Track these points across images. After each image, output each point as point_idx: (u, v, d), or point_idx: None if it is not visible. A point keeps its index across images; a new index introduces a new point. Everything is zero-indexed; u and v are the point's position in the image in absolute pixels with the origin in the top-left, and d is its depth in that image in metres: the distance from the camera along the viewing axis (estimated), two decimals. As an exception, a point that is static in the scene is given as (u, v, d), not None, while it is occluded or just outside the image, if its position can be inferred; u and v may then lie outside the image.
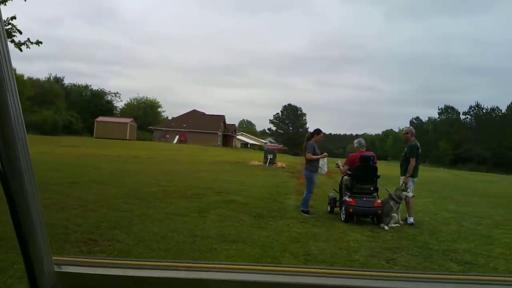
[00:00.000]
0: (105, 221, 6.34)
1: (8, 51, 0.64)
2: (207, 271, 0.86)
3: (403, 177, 8.27)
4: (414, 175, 8.29)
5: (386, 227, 7.59)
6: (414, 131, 8.67)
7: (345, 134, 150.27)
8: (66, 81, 73.48)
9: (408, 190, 8.09)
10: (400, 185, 8.17)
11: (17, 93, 0.68)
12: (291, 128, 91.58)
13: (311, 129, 9.18)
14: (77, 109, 61.67)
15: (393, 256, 5.74)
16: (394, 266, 5.31)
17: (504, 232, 7.90)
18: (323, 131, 9.20)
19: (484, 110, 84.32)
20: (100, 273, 0.83)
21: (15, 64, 47.11)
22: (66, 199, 7.97)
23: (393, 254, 5.87)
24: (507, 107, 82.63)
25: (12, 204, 0.70)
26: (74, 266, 0.82)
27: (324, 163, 8.79)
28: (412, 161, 8.18)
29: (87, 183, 10.38)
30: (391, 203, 7.89)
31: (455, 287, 0.88)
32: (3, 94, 0.63)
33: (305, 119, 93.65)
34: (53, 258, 0.78)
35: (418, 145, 8.40)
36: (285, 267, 0.91)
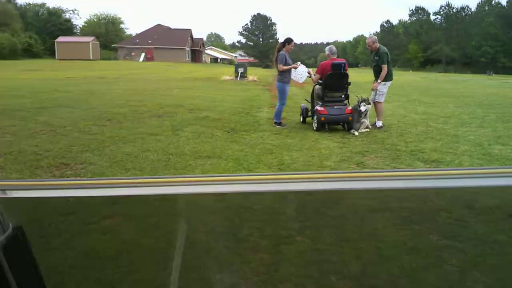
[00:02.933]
0: (76, 145, 6.25)
1: None
2: (176, 185, 0.83)
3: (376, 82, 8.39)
4: (388, 79, 8.40)
5: (356, 133, 7.80)
6: (376, 38, 8.69)
7: (316, 42, 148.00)
8: (19, 1, 67.93)
9: (379, 97, 8.29)
10: (371, 96, 8.30)
11: None
12: (261, 39, 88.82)
13: (281, 40, 8.90)
14: (35, 30, 57.73)
15: (363, 160, 5.96)
16: (363, 169, 5.55)
17: (470, 130, 8.26)
18: (294, 40, 8.94)
19: (454, 10, 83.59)
20: (49, 195, 0.79)
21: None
22: (34, 125, 7.75)
23: (363, 157, 6.09)
24: (477, 5, 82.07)
25: None
26: (20, 190, 0.77)
27: (304, 71, 8.62)
28: (384, 68, 8.27)
29: (54, 107, 10.05)
30: (362, 108, 8.02)
31: (421, 183, 0.89)
32: None
33: (276, 29, 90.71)
34: None
35: (386, 50, 8.44)
36: (257, 175, 0.90)
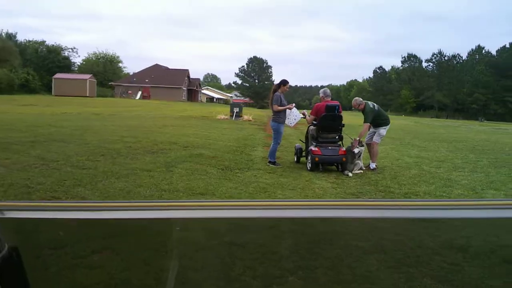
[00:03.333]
0: (68, 179, 6.18)
1: None
2: (165, 209, 0.83)
3: (373, 128, 8.63)
4: (386, 123, 8.61)
5: (350, 174, 7.81)
6: (361, 98, 8.98)
7: (311, 85, 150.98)
8: (20, 38, 69.31)
9: (376, 138, 8.49)
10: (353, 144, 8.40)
11: None
12: (257, 81, 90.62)
13: (277, 82, 9.10)
14: (33, 66, 58.64)
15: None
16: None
17: (463, 174, 8.31)
18: (289, 82, 9.13)
19: (445, 57, 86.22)
20: (46, 217, 0.79)
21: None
22: (27, 158, 7.69)
23: (357, 198, 6.07)
24: (468, 53, 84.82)
25: None
26: (19, 211, 0.77)
27: (296, 115, 8.77)
28: (366, 126, 8.55)
29: (48, 141, 10.01)
30: (355, 150, 8.10)
31: (417, 213, 0.89)
32: None
33: (271, 72, 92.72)
34: None
35: (372, 106, 8.68)
36: (247, 201, 0.89)
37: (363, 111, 8.67)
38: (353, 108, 9.34)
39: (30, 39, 70.03)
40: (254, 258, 1.06)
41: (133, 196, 5.50)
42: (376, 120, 8.59)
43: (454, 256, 1.07)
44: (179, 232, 0.96)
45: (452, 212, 0.91)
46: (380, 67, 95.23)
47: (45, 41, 69.30)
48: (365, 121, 8.56)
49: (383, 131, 8.65)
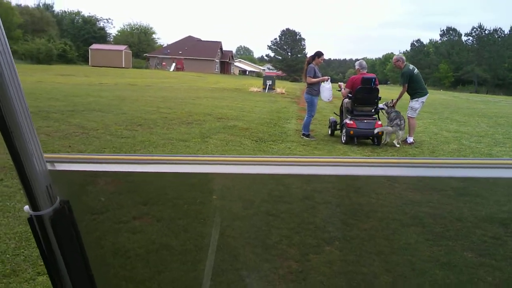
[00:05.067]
0: (107, 147, 6.39)
1: None
2: (201, 164, 0.84)
3: (411, 100, 8.42)
4: (421, 94, 8.37)
5: (397, 145, 7.95)
6: (403, 58, 8.81)
7: (345, 59, 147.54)
8: (56, 8, 70.65)
9: (411, 112, 8.29)
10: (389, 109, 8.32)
11: None
12: (289, 54, 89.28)
13: (310, 54, 8.94)
14: (70, 36, 59.87)
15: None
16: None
17: (504, 149, 8.02)
18: (324, 54, 8.95)
19: (486, 32, 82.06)
20: (96, 169, 0.81)
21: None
22: (67, 127, 7.96)
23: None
24: (510, 27, 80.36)
25: None
26: (68, 163, 0.78)
27: (329, 86, 8.65)
28: (404, 87, 8.36)
29: (87, 111, 10.32)
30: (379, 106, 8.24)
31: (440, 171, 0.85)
32: None
33: (304, 44, 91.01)
34: (45, 156, 0.73)
35: (411, 68, 8.47)
36: (285, 158, 0.88)
37: (402, 71, 8.48)
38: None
39: (66, 10, 71.30)
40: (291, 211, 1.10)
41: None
42: (413, 86, 8.33)
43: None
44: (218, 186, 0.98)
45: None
46: (418, 40, 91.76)
47: (81, 12, 70.49)
48: (403, 82, 8.40)
49: (415, 103, 8.36)
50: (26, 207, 0.73)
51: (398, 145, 7.88)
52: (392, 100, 8.36)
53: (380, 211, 1.11)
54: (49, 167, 0.74)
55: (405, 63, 8.58)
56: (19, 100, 0.65)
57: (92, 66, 48.50)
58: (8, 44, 0.62)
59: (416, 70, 8.46)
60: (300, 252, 1.09)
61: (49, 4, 70.13)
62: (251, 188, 1.02)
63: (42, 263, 2.77)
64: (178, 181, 0.91)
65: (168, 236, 1.05)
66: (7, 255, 2.88)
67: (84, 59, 55.15)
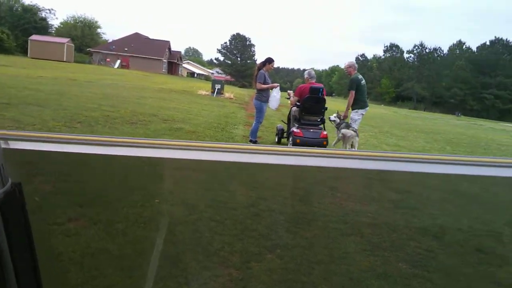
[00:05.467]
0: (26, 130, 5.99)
1: None
2: (143, 147, 0.81)
3: (353, 111, 8.53)
4: (361, 106, 8.46)
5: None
6: (356, 65, 8.83)
7: (293, 68, 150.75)
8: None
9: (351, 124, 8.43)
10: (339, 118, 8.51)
11: None
12: (239, 59, 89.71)
13: (259, 61, 9.00)
14: (7, 25, 56.08)
15: (335, 184, 5.97)
16: (336, 194, 5.55)
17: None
18: (274, 61, 9.03)
19: (427, 50, 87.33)
20: (53, 149, 0.75)
21: None
22: (1, 120, 7.39)
23: (335, 181, 6.10)
24: (449, 47, 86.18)
25: None
26: (23, 142, 0.73)
27: (278, 98, 8.69)
28: (351, 94, 8.35)
29: (23, 104, 9.64)
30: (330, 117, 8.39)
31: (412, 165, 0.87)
32: None
33: (254, 51, 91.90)
34: None
35: (360, 77, 8.51)
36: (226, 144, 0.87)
37: (351, 78, 8.51)
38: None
39: (5, -4, 66.77)
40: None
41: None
42: (356, 97, 8.34)
43: None
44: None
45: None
46: (363, 55, 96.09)
47: (21, -1, 66.37)
48: (349, 89, 8.40)
49: (355, 114, 8.40)
50: None
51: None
52: (339, 111, 8.54)
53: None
54: (2, 145, 0.69)
55: (356, 71, 8.67)
56: None
57: (31, 58, 45.74)
58: None
59: (363, 81, 8.55)
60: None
61: (-15, -12, 65.32)
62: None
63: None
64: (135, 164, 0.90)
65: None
66: None
67: (22, 50, 51.79)
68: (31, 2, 68.25)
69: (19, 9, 64.69)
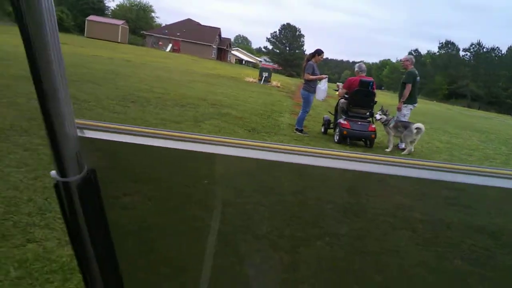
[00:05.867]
0: (98, 121, 6.26)
1: None
2: (208, 143, 0.82)
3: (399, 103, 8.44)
4: (411, 101, 8.39)
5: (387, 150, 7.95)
6: (413, 60, 8.78)
7: (342, 60, 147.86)
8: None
9: (401, 119, 8.27)
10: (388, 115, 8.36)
11: None
12: (287, 48, 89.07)
13: (308, 52, 8.92)
14: (67, 5, 58.62)
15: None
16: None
17: (494, 164, 8.12)
18: (324, 52, 8.91)
19: (484, 49, 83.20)
20: (128, 141, 0.79)
21: None
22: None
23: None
24: (508, 48, 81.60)
25: (32, 56, 0.62)
26: (97, 132, 0.77)
27: (324, 88, 8.64)
28: (408, 87, 8.25)
29: (80, 81, 10.11)
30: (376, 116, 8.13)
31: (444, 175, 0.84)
32: None
33: (303, 41, 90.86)
34: (76, 121, 0.72)
35: (417, 73, 8.50)
36: (280, 145, 0.87)
37: (407, 71, 8.49)
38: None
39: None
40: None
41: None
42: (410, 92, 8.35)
43: None
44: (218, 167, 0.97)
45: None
46: (416, 50, 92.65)
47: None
48: (407, 82, 8.32)
49: (404, 109, 8.38)
50: (53, 173, 0.72)
51: (388, 150, 7.92)
52: (383, 106, 8.34)
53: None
54: (79, 133, 0.73)
55: (412, 66, 8.59)
56: (59, 63, 0.65)
57: (87, 37, 47.71)
58: (53, 5, 0.62)
59: (418, 77, 8.53)
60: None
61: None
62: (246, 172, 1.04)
63: (31, 230, 2.71)
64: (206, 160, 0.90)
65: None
66: (-5, 220, 2.78)
67: (80, 29, 54.07)
68: (90, -16, 70.90)
69: (78, -10, 67.42)
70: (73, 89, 8.75)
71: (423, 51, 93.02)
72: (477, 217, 1.02)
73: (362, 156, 0.82)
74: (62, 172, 0.71)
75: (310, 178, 0.98)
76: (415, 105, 8.60)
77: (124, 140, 0.79)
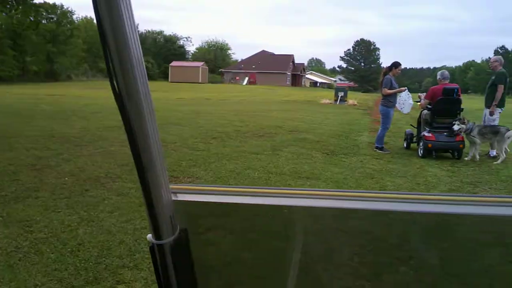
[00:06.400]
0: (184, 160, 6.71)
1: None
2: (291, 197, 0.84)
3: (487, 109, 7.91)
4: (501, 105, 7.85)
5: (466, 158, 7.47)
6: (502, 60, 8.26)
7: (422, 67, 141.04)
8: (140, 28, 75.87)
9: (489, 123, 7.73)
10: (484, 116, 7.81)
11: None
12: (362, 64, 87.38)
13: (384, 65, 8.74)
14: (151, 54, 63.90)
15: (474, 191, 5.50)
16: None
17: None
18: (401, 64, 8.66)
19: None
20: (214, 201, 0.84)
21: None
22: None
23: (474, 188, 5.62)
24: None
25: (131, 133, 0.68)
26: (188, 194, 0.83)
27: (410, 100, 8.40)
28: (500, 88, 7.76)
29: (166, 124, 10.90)
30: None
31: None
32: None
33: (378, 54, 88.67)
34: (171, 187, 0.78)
35: (507, 74, 7.86)
36: (357, 192, 0.84)
37: (497, 71, 7.98)
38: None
39: (150, 30, 76.09)
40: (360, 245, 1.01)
41: (243, 177, 5.78)
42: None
43: None
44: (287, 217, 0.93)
45: None
46: (502, 47, 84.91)
47: (163, 31, 75.11)
48: (499, 82, 7.83)
49: (495, 115, 7.83)
50: (149, 236, 0.77)
51: (472, 158, 7.38)
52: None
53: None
54: (173, 197, 0.78)
55: (501, 66, 8.11)
56: (155, 136, 0.70)
57: (171, 82, 51.22)
58: (146, 77, 0.68)
59: (508, 78, 7.97)
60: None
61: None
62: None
63: (121, 272, 2.95)
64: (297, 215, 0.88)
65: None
66: (90, 263, 3.09)
67: (164, 75, 58.47)
68: (172, 32, 76.81)
69: (161, 40, 73.19)
70: (160, 132, 9.39)
71: (510, 47, 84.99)
72: None
73: (443, 197, 0.79)
74: (157, 235, 0.76)
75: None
76: (503, 108, 8.03)
77: (211, 200, 0.84)
